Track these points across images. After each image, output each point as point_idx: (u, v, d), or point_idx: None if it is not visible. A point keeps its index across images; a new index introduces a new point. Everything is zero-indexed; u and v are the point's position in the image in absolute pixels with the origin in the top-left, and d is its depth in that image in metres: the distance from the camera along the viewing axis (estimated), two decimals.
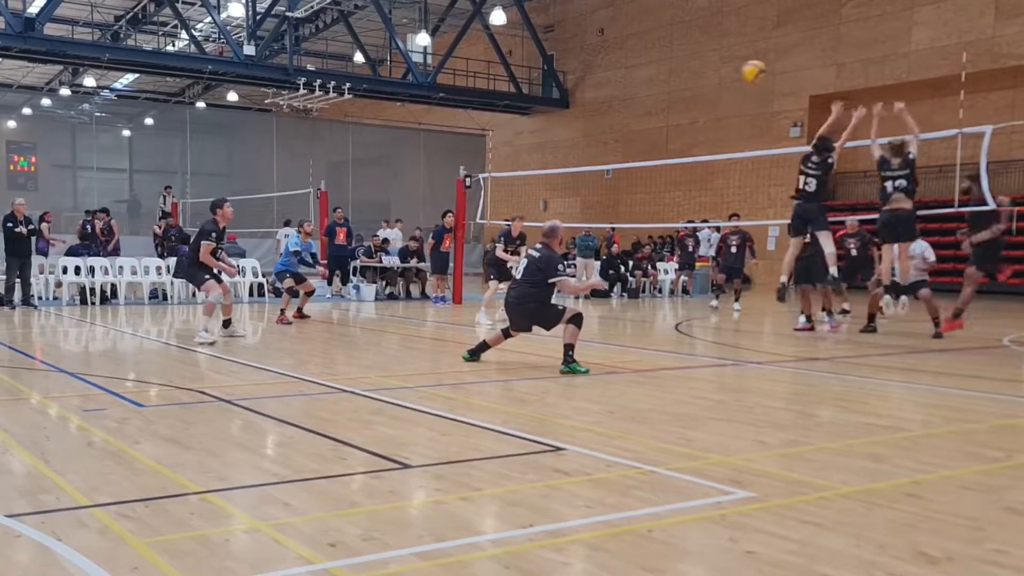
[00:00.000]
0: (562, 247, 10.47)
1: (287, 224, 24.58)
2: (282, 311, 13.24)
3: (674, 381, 7.91)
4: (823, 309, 12.11)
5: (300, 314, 13.45)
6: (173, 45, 35.76)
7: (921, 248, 12.14)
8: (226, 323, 10.67)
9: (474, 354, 8.73)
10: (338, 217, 19.60)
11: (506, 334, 8.79)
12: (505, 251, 13.35)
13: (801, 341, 11.31)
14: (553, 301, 8.57)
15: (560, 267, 8.36)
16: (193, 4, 31.44)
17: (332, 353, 9.88)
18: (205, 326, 10.05)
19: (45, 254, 17.11)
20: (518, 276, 8.62)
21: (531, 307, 8.41)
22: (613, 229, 23.44)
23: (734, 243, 15.81)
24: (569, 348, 8.18)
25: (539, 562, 3.20)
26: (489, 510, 3.92)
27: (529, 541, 3.42)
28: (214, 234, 10.21)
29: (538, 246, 8.52)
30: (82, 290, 16.07)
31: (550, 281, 8.29)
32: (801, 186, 10.83)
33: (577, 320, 8.26)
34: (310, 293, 13.86)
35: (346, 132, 35.82)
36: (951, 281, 23.08)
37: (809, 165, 10.93)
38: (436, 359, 9.59)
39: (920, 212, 13.21)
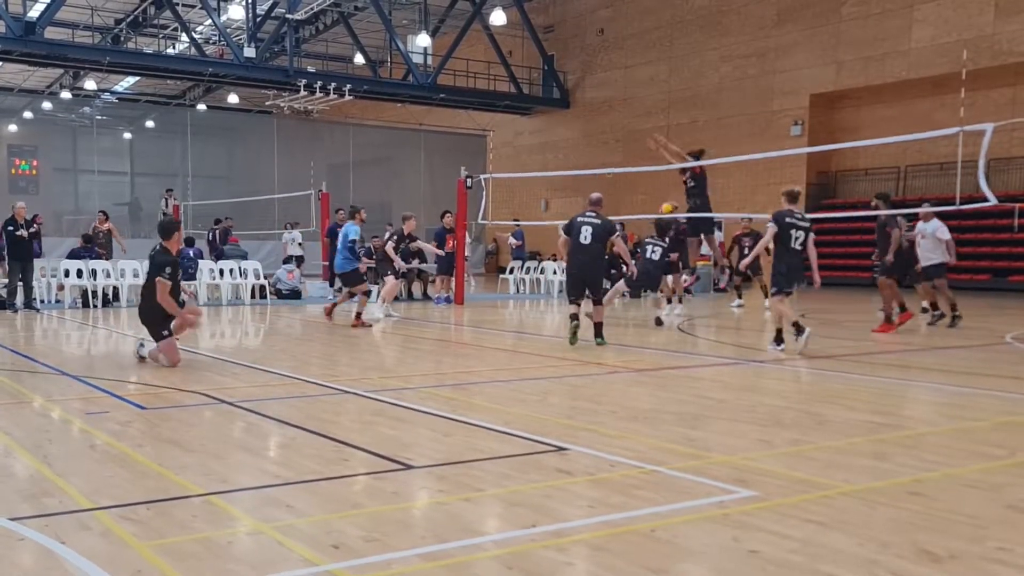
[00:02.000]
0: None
1: (293, 226, 24.59)
2: (358, 315, 12.50)
3: (676, 380, 7.91)
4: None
5: (360, 321, 12.48)
6: (173, 48, 35.79)
7: (933, 227, 12.63)
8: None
9: (576, 319, 10.13)
10: (340, 219, 19.59)
11: (576, 304, 10.27)
12: (396, 248, 14.09)
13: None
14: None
15: (618, 227, 10.45)
16: (193, 7, 31.47)
17: (334, 354, 9.88)
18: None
19: (38, 255, 17.08)
20: (585, 241, 9.95)
21: (597, 269, 10.25)
22: (623, 225, 23.34)
23: (747, 244, 16.14)
24: (601, 326, 10.20)
25: (542, 562, 3.20)
26: (492, 510, 3.92)
27: (532, 541, 3.42)
28: (168, 268, 8.32)
29: (591, 214, 10.06)
30: (84, 293, 16.08)
31: (612, 238, 10.19)
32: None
33: (601, 301, 10.32)
34: (367, 294, 13.12)
35: (347, 133, 35.85)
36: (955, 279, 23.12)
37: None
38: (438, 360, 9.58)
39: (922, 210, 13.50)
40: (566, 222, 10.27)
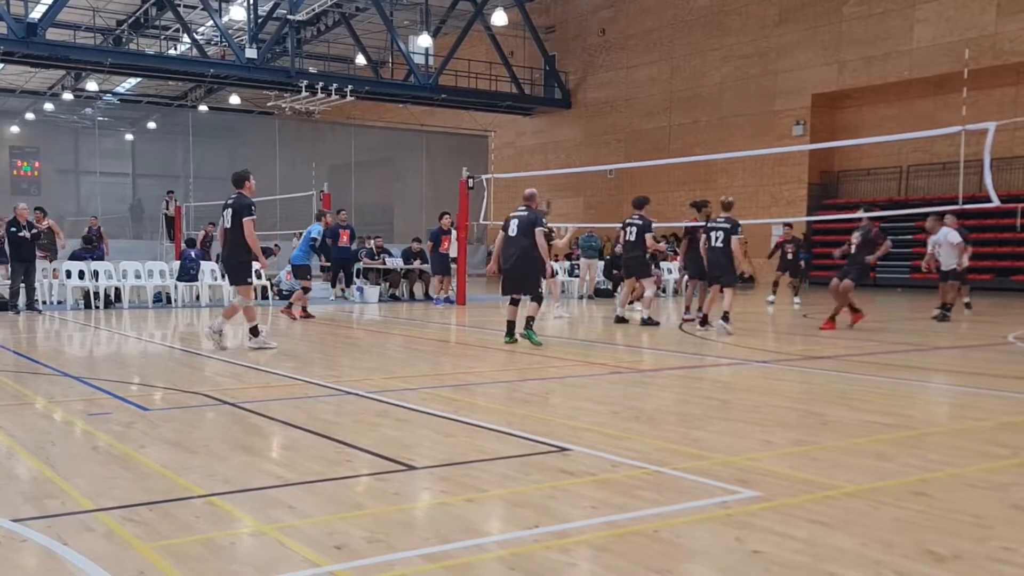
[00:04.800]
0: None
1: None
2: (290, 305, 13.88)
3: (679, 381, 7.90)
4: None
5: (305, 313, 13.87)
6: (175, 49, 35.82)
7: (944, 234, 13.89)
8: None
9: (510, 334, 10.29)
10: (341, 219, 19.59)
11: (514, 303, 10.35)
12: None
13: (805, 340, 11.31)
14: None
15: (543, 220, 10.30)
16: (195, 8, 31.50)
17: (336, 355, 9.88)
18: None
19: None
20: (512, 234, 10.08)
21: (527, 263, 9.95)
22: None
23: (790, 250, 18.01)
24: (531, 320, 10.11)
25: (545, 563, 3.19)
26: (494, 511, 3.91)
27: (535, 542, 3.41)
28: (254, 207, 9.77)
29: (522, 208, 10.20)
30: (86, 294, 16.09)
31: (537, 229, 9.94)
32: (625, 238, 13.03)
33: (539, 299, 10.20)
34: (307, 290, 14.18)
35: (348, 134, 35.85)
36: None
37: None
38: (440, 361, 9.58)
39: (924, 210, 13.68)
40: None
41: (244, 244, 9.38)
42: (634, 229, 12.91)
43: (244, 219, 9.30)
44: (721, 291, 11.94)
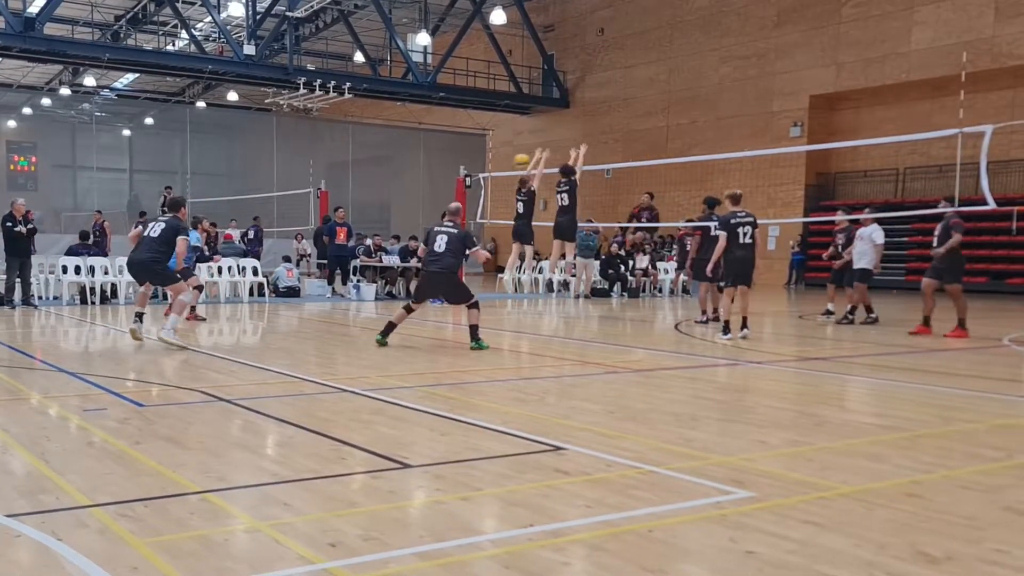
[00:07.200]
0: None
1: (300, 239, 24.64)
2: (192, 308, 13.04)
3: (674, 381, 7.91)
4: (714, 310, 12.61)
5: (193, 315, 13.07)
6: (173, 45, 35.77)
7: (871, 230, 13.19)
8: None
9: (384, 334, 9.85)
10: (339, 217, 19.60)
11: (408, 309, 9.98)
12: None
13: (801, 340, 11.32)
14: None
15: (473, 239, 10.07)
16: (193, 4, 31.46)
17: (332, 353, 9.88)
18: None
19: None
20: (439, 249, 9.74)
21: (453, 278, 9.83)
22: (624, 231, 23.34)
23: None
24: (475, 328, 9.72)
25: (539, 562, 3.20)
26: (489, 510, 3.91)
27: (529, 541, 3.42)
28: (188, 230, 10.51)
29: (449, 224, 9.91)
30: (82, 290, 16.07)
31: (468, 252, 9.81)
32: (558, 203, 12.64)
33: (476, 305, 9.80)
34: (200, 288, 13.72)
35: (346, 132, 35.83)
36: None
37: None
38: (435, 359, 9.57)
39: (921, 212, 13.63)
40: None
41: (166, 256, 9.61)
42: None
43: (179, 237, 9.64)
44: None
